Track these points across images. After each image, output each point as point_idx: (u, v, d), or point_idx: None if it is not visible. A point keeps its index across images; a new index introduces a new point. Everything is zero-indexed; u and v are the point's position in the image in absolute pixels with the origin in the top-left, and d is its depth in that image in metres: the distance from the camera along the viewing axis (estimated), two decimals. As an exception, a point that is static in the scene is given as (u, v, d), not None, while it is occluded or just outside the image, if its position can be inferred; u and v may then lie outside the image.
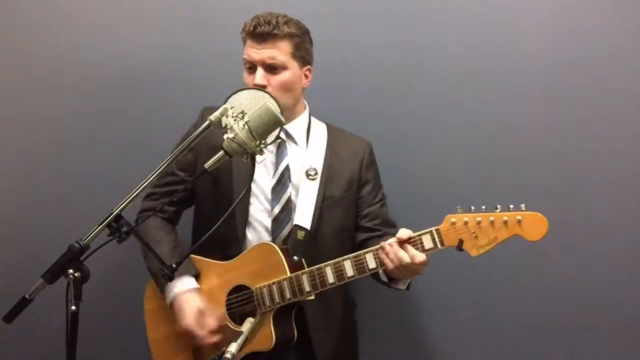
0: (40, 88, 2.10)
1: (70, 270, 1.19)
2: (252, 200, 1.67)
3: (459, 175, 1.96)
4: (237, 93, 1.36)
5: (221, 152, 1.26)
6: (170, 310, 1.64)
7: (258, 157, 1.29)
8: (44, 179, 2.10)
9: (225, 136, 1.25)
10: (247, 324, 1.35)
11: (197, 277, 1.66)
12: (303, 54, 1.68)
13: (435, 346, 2.02)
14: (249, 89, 1.40)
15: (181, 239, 1.75)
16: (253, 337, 1.52)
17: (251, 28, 1.62)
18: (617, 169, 1.90)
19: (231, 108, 1.28)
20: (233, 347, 1.25)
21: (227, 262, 1.64)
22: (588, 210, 1.91)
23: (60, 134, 2.10)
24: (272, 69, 1.63)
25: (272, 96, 1.33)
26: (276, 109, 1.26)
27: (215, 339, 1.59)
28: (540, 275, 1.93)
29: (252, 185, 1.66)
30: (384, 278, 1.60)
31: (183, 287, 1.62)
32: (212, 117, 1.27)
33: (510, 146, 1.94)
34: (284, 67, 1.63)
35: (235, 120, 1.25)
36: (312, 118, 1.80)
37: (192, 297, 1.61)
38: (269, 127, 1.26)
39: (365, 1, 2.00)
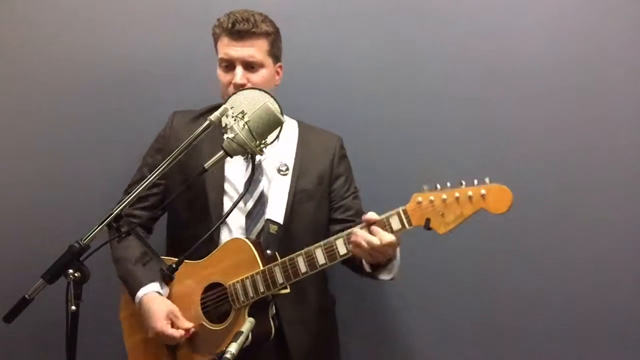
0: (40, 88, 2.10)
1: (70, 270, 1.19)
2: (226, 200, 1.65)
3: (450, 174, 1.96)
4: (237, 93, 1.36)
5: (221, 152, 1.26)
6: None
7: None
8: (44, 179, 2.10)
9: (225, 136, 1.25)
10: (247, 324, 1.35)
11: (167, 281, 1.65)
12: (276, 52, 1.70)
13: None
14: (249, 89, 1.40)
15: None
16: (230, 335, 1.50)
17: (229, 25, 1.61)
18: (617, 170, 1.90)
19: (231, 108, 1.28)
20: (233, 347, 1.25)
21: (200, 260, 1.62)
22: (587, 211, 1.91)
23: (61, 134, 2.09)
24: (250, 67, 1.63)
25: (272, 96, 1.33)
26: (276, 109, 1.26)
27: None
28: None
29: (226, 185, 1.66)
30: (367, 269, 1.57)
31: (147, 290, 1.62)
32: (212, 117, 1.27)
33: (506, 147, 1.94)
34: (261, 65, 1.64)
35: (235, 120, 1.25)
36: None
37: (159, 298, 1.61)
38: (269, 127, 1.26)
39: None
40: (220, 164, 1.60)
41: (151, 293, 1.62)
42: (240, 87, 1.59)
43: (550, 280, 1.93)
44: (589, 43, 1.90)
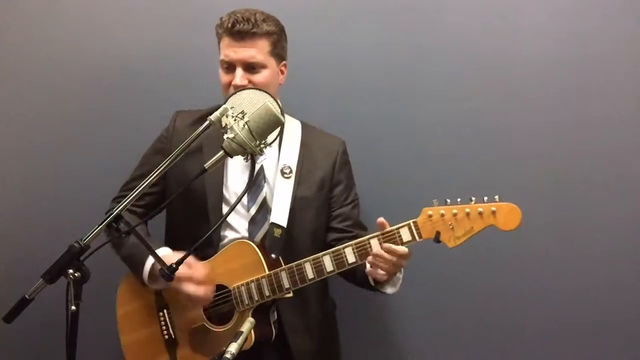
0: (40, 88, 2.10)
1: (70, 270, 1.19)
2: (225, 202, 1.64)
3: (450, 175, 1.96)
4: (237, 93, 1.37)
5: (221, 152, 1.26)
6: (143, 314, 1.63)
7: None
8: (44, 179, 2.10)
9: (225, 136, 1.25)
10: (247, 324, 1.34)
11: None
12: (280, 51, 1.67)
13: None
14: (249, 89, 1.40)
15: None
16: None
17: (229, 25, 1.58)
18: (616, 170, 1.89)
19: (231, 108, 1.28)
20: (233, 347, 1.24)
21: (204, 262, 1.61)
22: (586, 212, 1.90)
23: (60, 134, 2.10)
24: (251, 68, 1.60)
25: (272, 96, 1.33)
26: (276, 109, 1.26)
27: (208, 289, 1.55)
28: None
29: (224, 187, 1.64)
30: (372, 283, 1.58)
31: (161, 252, 1.54)
32: (212, 117, 1.27)
33: (504, 147, 1.94)
34: (263, 66, 1.61)
35: (235, 120, 1.25)
36: (286, 115, 1.77)
37: (174, 255, 1.54)
38: (269, 127, 1.26)
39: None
40: (220, 166, 1.60)
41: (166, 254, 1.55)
42: (240, 89, 1.57)
43: (555, 282, 1.92)
44: (589, 43, 1.90)
